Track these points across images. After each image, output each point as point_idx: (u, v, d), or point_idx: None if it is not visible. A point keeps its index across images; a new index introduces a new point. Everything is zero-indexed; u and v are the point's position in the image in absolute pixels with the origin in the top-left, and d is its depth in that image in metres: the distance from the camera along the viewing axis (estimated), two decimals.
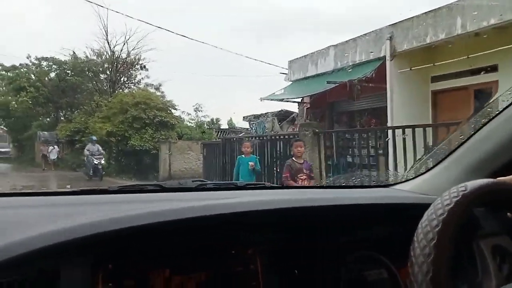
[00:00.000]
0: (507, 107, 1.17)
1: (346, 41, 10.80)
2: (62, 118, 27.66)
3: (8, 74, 28.24)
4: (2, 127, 36.78)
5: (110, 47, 24.20)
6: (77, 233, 0.82)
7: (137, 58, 25.11)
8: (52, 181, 17.36)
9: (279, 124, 15.23)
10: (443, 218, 0.74)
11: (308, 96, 12.71)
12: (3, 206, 1.01)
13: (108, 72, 24.75)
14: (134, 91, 22.24)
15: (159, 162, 15.83)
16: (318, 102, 12.56)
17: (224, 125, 25.04)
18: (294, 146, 6.46)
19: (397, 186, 1.44)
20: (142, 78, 26.04)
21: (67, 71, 26.76)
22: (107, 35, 23.92)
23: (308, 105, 12.98)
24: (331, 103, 12.84)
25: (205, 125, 23.13)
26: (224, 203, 1.06)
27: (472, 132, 1.25)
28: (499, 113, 1.19)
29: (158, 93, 23.51)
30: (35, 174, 20.31)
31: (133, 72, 26.06)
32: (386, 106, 9.67)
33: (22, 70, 27.70)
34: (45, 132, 26.44)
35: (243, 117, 18.57)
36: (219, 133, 21.18)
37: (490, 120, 1.21)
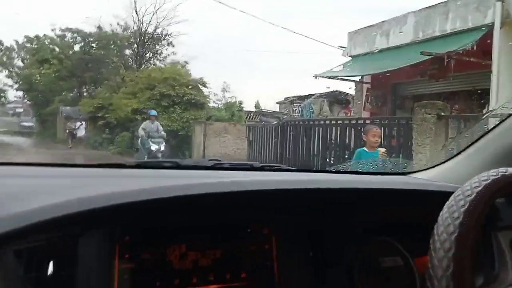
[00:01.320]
0: None
1: (433, 5, 8.49)
2: (85, 94, 25.99)
3: (32, 45, 26.58)
4: (26, 101, 35.53)
5: (138, 17, 22.22)
6: (95, 204, 0.80)
7: (163, 33, 23.26)
8: (83, 160, 14.63)
9: (329, 107, 12.99)
10: (464, 209, 0.69)
11: (369, 75, 10.52)
12: (26, 175, 1.03)
13: (134, 46, 22.83)
14: (162, 66, 20.28)
15: (191, 145, 13.80)
16: (381, 83, 10.35)
17: (248, 108, 22.74)
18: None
19: (415, 174, 1.39)
20: (168, 55, 24.16)
21: (92, 44, 25.07)
22: (136, 3, 21.96)
23: (369, 86, 10.78)
24: (394, 84, 10.61)
25: (234, 107, 21.07)
26: (238, 180, 1.03)
27: (498, 122, 1.19)
28: None
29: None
30: (61, 152, 18.69)
31: (159, 48, 24.23)
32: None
33: (45, 41, 26.03)
34: (68, 108, 25.02)
35: (281, 100, 16.23)
36: (251, 116, 19.11)
37: None
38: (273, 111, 17.92)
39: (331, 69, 10.43)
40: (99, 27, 23.93)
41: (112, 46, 24.08)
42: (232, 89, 21.38)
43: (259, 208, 1.03)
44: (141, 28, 22.38)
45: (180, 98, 16.78)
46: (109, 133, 20.52)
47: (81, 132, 20.90)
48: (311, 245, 1.07)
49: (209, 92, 18.41)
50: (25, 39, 26.93)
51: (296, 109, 14.51)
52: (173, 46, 23.76)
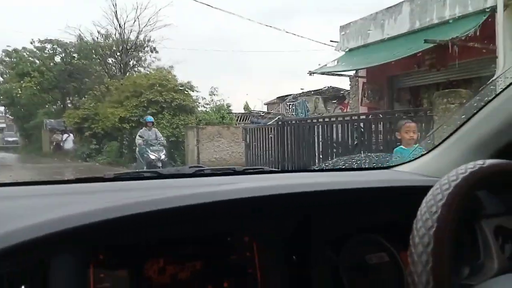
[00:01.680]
0: (508, 85, 1.10)
1: None
2: (69, 105, 25.16)
3: (11, 59, 25.64)
4: (8, 116, 34.51)
5: (119, 24, 21.56)
6: (65, 224, 0.78)
7: (146, 39, 22.64)
8: (71, 174, 13.77)
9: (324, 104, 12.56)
10: (442, 203, 0.68)
11: (364, 68, 10.16)
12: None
13: (117, 54, 22.15)
14: (148, 72, 19.66)
15: (185, 152, 13.24)
16: (376, 76, 9.99)
17: (237, 110, 22.13)
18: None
19: (399, 168, 1.38)
20: (152, 61, 23.52)
21: (73, 55, 24.30)
22: (116, 10, 21.31)
23: (365, 80, 10.41)
24: (391, 77, 10.27)
25: (222, 109, 20.47)
26: (219, 190, 1.01)
27: (474, 112, 1.17)
28: (500, 92, 1.12)
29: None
30: (47, 165, 17.85)
31: (143, 54, 23.62)
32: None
33: (25, 54, 25.14)
34: (52, 120, 24.31)
35: (269, 101, 15.74)
36: (241, 118, 18.61)
37: (492, 99, 1.13)
38: (265, 112, 17.45)
39: (325, 65, 10.02)
40: (79, 37, 23.22)
41: (95, 56, 23.35)
42: (220, 92, 20.59)
43: (237, 216, 1.01)
44: (123, 35, 21.71)
45: (168, 103, 16.22)
46: (96, 144, 19.86)
47: (68, 144, 20.09)
48: (294, 248, 1.04)
49: (197, 96, 17.83)
50: (3, 53, 26.04)
51: (289, 108, 14.05)
52: (157, 52, 23.16)
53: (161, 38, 22.90)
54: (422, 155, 1.33)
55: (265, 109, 19.65)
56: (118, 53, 22.09)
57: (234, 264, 0.99)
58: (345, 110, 11.91)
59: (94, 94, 21.03)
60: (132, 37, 22.05)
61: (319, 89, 12.52)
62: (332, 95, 12.45)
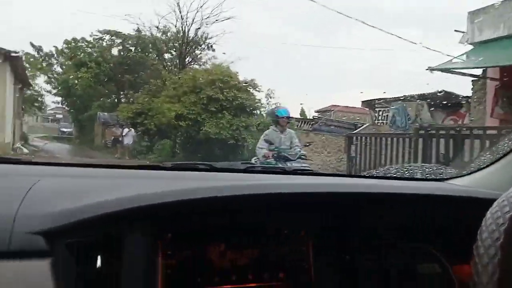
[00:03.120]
0: None
1: None
2: (123, 100, 23.95)
3: (69, 49, 24.83)
4: (64, 107, 34.25)
5: (181, 14, 19.93)
6: (138, 202, 0.82)
7: (204, 36, 20.91)
8: None
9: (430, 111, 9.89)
10: (510, 215, 0.64)
11: (494, 67, 7.54)
12: (71, 175, 1.06)
13: (176, 46, 20.56)
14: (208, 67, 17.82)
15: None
16: None
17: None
18: None
19: (452, 181, 1.32)
20: (209, 59, 21.70)
21: (131, 47, 23.07)
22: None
23: (497, 83, 7.78)
24: None
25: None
26: (271, 183, 1.03)
27: None
28: None
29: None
30: (105, 160, 16.37)
31: (199, 52, 21.93)
32: None
33: (83, 44, 24.24)
34: (105, 113, 23.20)
35: (321, 109, 13.16)
36: (303, 122, 16.30)
37: None
38: (339, 120, 14.98)
39: (450, 60, 7.53)
40: (138, 30, 21.89)
41: (151, 49, 21.94)
42: (276, 95, 17.82)
43: (295, 210, 1.02)
44: (184, 26, 20.06)
45: (230, 102, 14.23)
46: (148, 141, 18.38)
47: (129, 140, 18.32)
48: (347, 249, 1.04)
49: (267, 95, 15.65)
50: (64, 44, 25.24)
51: (379, 115, 11.48)
52: (214, 50, 21.40)
53: (223, 31, 21.00)
54: (480, 169, 1.25)
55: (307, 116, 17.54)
56: (177, 45, 20.46)
57: (289, 257, 1.01)
58: (460, 122, 9.33)
59: (149, 89, 19.51)
60: (193, 29, 20.43)
61: (424, 94, 9.80)
62: (445, 102, 9.69)
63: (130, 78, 22.44)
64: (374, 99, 11.50)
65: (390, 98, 10.62)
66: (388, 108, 10.60)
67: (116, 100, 24.86)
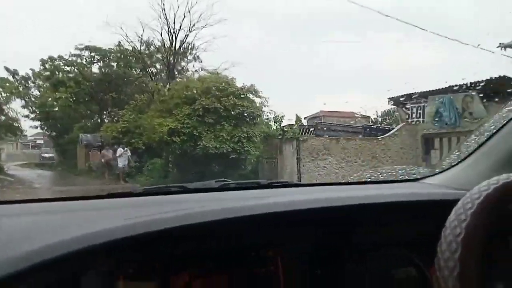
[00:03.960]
0: None
1: None
2: (106, 120, 21.96)
3: (46, 67, 22.74)
4: (44, 131, 32.03)
5: (168, 22, 18.29)
6: (95, 240, 0.80)
7: (189, 47, 19.37)
8: None
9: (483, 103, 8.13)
10: (471, 212, 0.67)
11: None
12: (26, 213, 1.00)
13: (163, 57, 18.85)
14: (203, 74, 16.15)
15: (278, 172, 9.23)
16: None
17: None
18: None
19: (426, 180, 1.34)
20: (196, 70, 20.07)
21: (112, 63, 21.26)
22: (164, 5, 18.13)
23: None
24: None
25: (277, 121, 16.49)
26: (242, 206, 1.00)
27: (504, 123, 1.13)
28: None
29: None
30: (105, 187, 14.06)
31: (185, 64, 20.35)
32: None
33: (60, 63, 22.24)
34: (88, 135, 21.05)
35: (310, 115, 11.57)
36: (304, 131, 14.76)
37: None
38: (342, 124, 13.44)
39: None
40: (119, 44, 20.10)
41: (135, 63, 20.19)
42: (270, 103, 16.09)
43: (261, 230, 1.00)
44: (172, 33, 18.41)
45: (229, 111, 12.55)
46: (137, 161, 16.44)
47: (123, 161, 15.86)
48: (319, 262, 1.02)
49: (261, 103, 13.96)
50: (41, 65, 23.17)
51: (413, 112, 9.75)
52: (201, 61, 19.85)
53: (213, 36, 19.37)
54: (451, 167, 1.27)
55: (304, 123, 16.17)
56: (164, 56, 18.75)
57: (258, 279, 0.98)
58: None
59: (135, 104, 17.64)
60: (181, 36, 18.80)
61: (474, 82, 8.08)
62: (492, 91, 8.05)
63: (113, 95, 20.51)
64: (404, 95, 9.82)
65: (424, 91, 8.97)
66: (422, 104, 8.96)
67: (99, 120, 22.77)
